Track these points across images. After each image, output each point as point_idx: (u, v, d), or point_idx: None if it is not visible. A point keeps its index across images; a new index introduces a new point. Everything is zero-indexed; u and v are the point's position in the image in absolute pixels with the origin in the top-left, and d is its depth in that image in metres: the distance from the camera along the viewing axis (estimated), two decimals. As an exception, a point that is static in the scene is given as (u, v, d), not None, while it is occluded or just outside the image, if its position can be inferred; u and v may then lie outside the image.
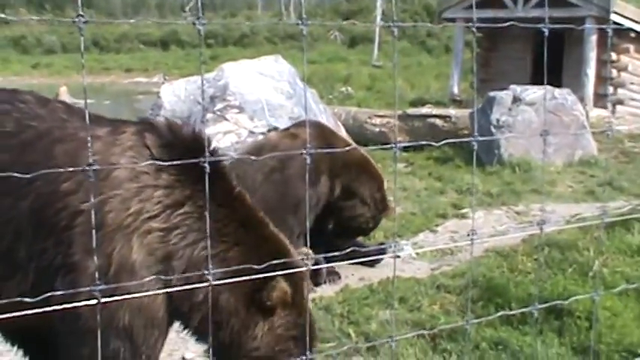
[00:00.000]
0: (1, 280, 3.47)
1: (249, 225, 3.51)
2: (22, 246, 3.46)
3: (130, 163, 3.38)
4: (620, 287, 5.04)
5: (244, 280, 3.13)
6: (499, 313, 3.59)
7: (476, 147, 2.55)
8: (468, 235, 2.52)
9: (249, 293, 3.30)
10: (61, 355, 3.58)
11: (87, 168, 1.90)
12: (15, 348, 4.71)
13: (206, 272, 2.32)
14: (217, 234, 3.34)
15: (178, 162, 2.82)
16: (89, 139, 2.11)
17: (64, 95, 25.47)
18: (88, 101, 2.14)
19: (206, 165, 2.15)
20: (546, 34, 2.72)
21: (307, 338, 3.09)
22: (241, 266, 2.94)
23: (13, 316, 2.17)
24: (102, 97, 31.28)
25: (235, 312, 3.33)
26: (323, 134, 7.11)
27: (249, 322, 3.35)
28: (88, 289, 2.84)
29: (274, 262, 3.02)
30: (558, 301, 3.53)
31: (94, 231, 2.21)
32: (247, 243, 3.44)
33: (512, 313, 4.45)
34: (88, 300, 2.41)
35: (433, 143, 2.78)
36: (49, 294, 2.22)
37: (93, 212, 2.40)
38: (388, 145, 2.64)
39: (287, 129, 7.76)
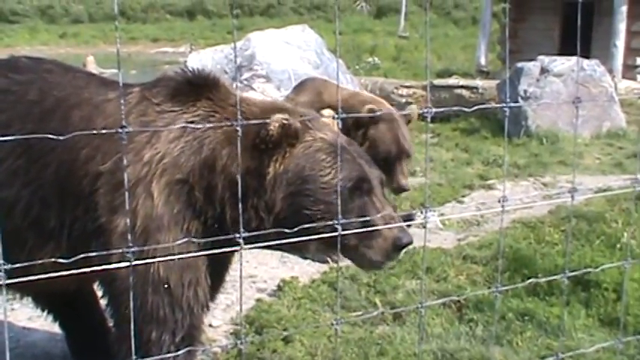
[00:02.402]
0: (34, 249, 3.52)
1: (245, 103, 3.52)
2: (51, 215, 3.52)
3: (138, 118, 3.41)
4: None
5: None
6: (528, 281, 3.56)
7: (507, 113, 2.52)
8: (499, 201, 2.50)
9: (251, 145, 3.22)
10: (110, 315, 3.63)
11: (119, 130, 1.91)
12: (45, 313, 4.81)
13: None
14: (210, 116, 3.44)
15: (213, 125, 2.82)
16: (122, 102, 2.11)
17: (91, 65, 25.51)
18: (115, 71, 2.15)
19: (238, 129, 2.15)
20: (580, -1, 2.67)
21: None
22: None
23: (47, 278, 2.18)
24: (129, 66, 31.27)
25: (250, 167, 3.25)
26: (319, 97, 7.09)
27: (263, 165, 3.25)
28: (119, 250, 2.87)
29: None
30: (588, 269, 3.51)
31: (126, 193, 2.19)
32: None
33: (541, 280, 4.47)
34: (121, 260, 2.44)
35: (465, 109, 2.75)
36: (80, 256, 2.23)
37: (125, 174, 2.38)
38: (420, 111, 2.61)
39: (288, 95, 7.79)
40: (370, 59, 27.15)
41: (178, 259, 3.17)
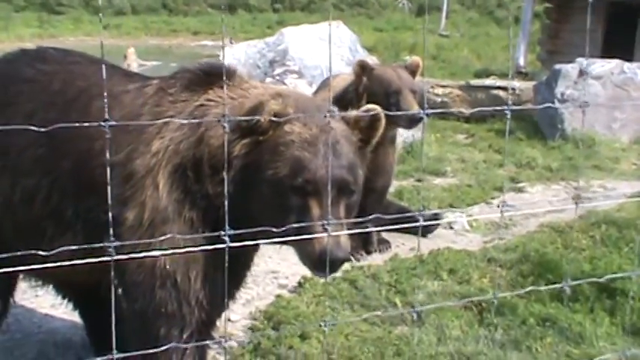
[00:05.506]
0: (54, 239, 3.55)
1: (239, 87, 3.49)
2: (68, 205, 3.55)
3: (152, 109, 3.42)
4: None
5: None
6: (554, 286, 3.50)
7: (541, 115, 2.46)
8: (498, 206, 2.45)
9: (235, 124, 3.10)
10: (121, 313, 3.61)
11: (102, 124, 1.91)
12: (66, 301, 4.88)
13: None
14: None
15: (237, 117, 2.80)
16: (105, 94, 2.10)
17: (132, 56, 25.82)
18: (156, 63, 2.15)
19: (226, 126, 2.13)
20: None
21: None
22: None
23: (59, 266, 2.20)
24: (169, 59, 31.55)
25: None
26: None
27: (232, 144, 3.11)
28: (127, 241, 2.90)
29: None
30: (611, 276, 3.41)
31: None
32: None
33: (553, 287, 4.37)
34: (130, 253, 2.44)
35: (498, 108, 2.64)
36: (83, 246, 2.23)
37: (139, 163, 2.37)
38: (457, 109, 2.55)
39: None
40: (408, 57, 27.04)
41: (183, 253, 3.13)
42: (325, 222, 2.83)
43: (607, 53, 17.72)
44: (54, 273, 3.84)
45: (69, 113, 3.54)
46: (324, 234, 2.85)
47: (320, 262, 2.89)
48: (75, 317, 5.05)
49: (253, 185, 3.11)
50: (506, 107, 2.37)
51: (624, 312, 5.40)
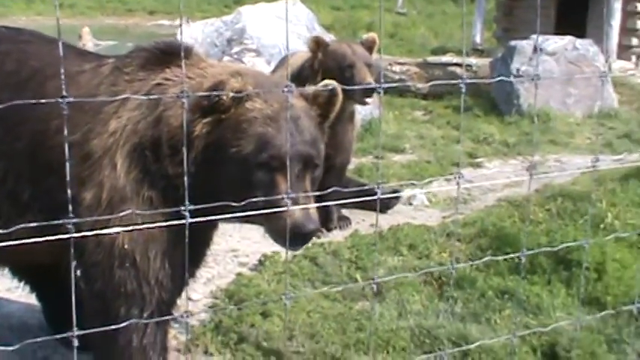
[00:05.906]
0: (11, 221, 3.49)
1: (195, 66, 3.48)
2: (25, 187, 3.52)
3: (108, 88, 3.40)
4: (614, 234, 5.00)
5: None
6: (503, 257, 3.55)
7: (497, 91, 2.48)
8: (454, 177, 2.47)
9: (194, 103, 3.10)
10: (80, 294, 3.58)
11: (60, 100, 1.88)
12: (23, 284, 4.81)
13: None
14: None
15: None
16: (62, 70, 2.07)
17: (87, 36, 25.34)
18: (112, 43, 2.12)
19: (184, 101, 2.11)
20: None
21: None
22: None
23: (14, 245, 2.18)
24: (125, 38, 30.99)
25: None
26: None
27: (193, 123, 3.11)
28: (86, 219, 2.88)
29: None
30: (564, 245, 3.49)
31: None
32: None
33: (509, 256, 4.43)
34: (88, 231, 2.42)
35: (453, 81, 2.67)
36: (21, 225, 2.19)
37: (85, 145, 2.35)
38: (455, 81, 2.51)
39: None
40: (366, 35, 26.93)
41: (141, 229, 3.10)
42: (294, 195, 2.87)
43: (560, 30, 17.89)
44: (11, 255, 3.80)
45: (23, 94, 3.47)
46: (294, 207, 2.88)
47: (292, 235, 2.93)
48: (32, 300, 4.99)
49: (216, 164, 3.11)
50: (460, 80, 2.40)
51: (580, 283, 5.50)
